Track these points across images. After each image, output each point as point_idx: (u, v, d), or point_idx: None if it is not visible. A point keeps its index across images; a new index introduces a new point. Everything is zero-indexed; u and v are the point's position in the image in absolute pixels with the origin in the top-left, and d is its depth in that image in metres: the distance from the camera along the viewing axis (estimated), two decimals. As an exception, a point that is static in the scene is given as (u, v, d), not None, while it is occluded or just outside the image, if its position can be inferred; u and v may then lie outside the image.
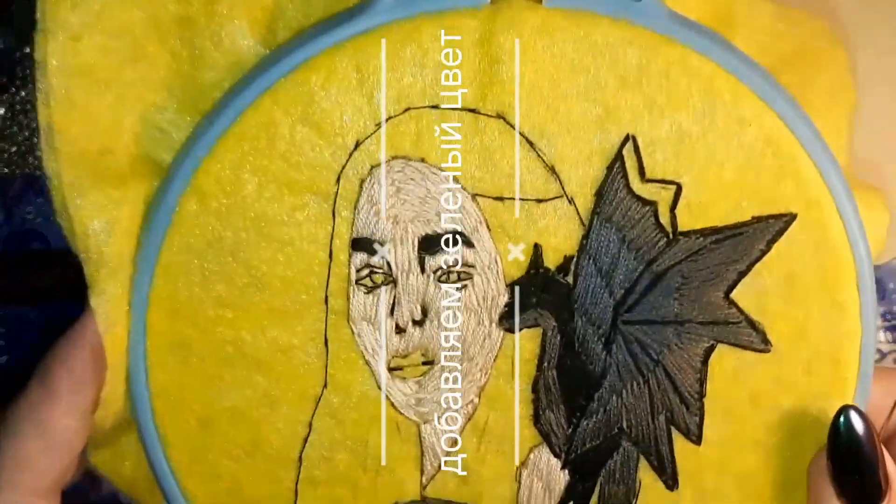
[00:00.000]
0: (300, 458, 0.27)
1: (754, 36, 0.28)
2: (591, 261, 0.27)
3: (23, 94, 0.34)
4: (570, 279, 0.27)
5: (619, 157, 0.26)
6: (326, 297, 0.27)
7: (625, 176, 0.26)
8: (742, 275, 0.27)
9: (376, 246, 0.26)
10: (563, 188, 0.26)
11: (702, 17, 0.27)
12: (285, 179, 0.26)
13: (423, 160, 0.26)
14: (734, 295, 0.27)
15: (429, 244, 0.26)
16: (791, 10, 0.30)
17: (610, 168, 0.26)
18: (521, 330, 0.27)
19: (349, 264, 0.27)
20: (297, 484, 0.28)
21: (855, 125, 0.30)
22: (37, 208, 0.37)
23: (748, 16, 0.28)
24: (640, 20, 0.25)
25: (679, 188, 0.26)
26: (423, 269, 0.27)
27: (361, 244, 0.26)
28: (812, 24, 0.30)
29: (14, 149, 0.34)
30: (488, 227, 0.26)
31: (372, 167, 0.26)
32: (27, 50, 0.34)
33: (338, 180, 0.26)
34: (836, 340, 0.27)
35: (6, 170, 0.35)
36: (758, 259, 0.26)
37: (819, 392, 0.27)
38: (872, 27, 0.37)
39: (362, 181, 0.26)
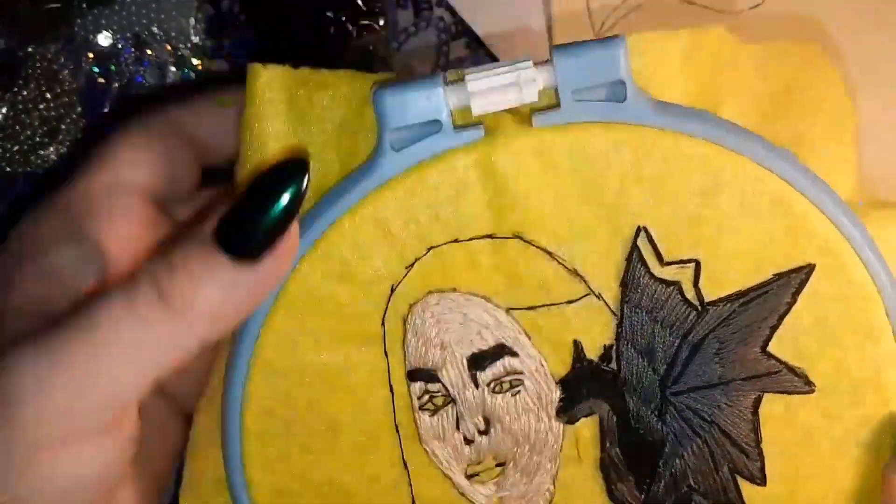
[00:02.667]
0: None
1: (744, 82, 0.29)
2: (629, 345, 0.28)
3: (25, 93, 0.34)
4: (613, 366, 0.28)
5: (634, 248, 0.27)
6: (396, 426, 0.29)
7: (644, 264, 0.27)
8: (774, 328, 0.28)
9: (431, 373, 0.29)
10: (588, 286, 0.28)
11: (689, 94, 0.28)
12: (336, 333, 0.28)
13: (454, 289, 0.28)
14: (771, 347, 0.28)
15: (477, 361, 0.29)
16: (777, 44, 0.30)
17: (629, 259, 0.27)
18: (578, 420, 0.29)
19: (409, 393, 0.29)
20: None
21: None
22: (38, 208, 0.36)
23: (734, 71, 0.29)
24: (629, 118, 0.27)
25: (698, 265, 0.27)
26: (476, 384, 0.29)
27: (417, 374, 0.29)
28: (800, 49, 0.30)
29: (17, 148, 0.34)
30: (527, 334, 0.28)
31: (410, 305, 0.28)
32: (30, 49, 0.34)
33: (382, 323, 0.28)
34: (875, 368, 0.28)
35: (9, 169, 0.35)
36: (786, 312, 0.28)
37: (867, 417, 0.29)
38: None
39: (404, 319, 0.28)
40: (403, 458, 0.29)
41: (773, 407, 0.29)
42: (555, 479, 0.30)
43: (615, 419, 0.29)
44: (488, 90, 0.26)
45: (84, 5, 0.37)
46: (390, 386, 0.29)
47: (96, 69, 0.38)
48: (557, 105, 0.26)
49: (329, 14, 0.39)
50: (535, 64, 0.26)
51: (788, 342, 0.28)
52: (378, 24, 0.44)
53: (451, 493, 0.30)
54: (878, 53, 0.37)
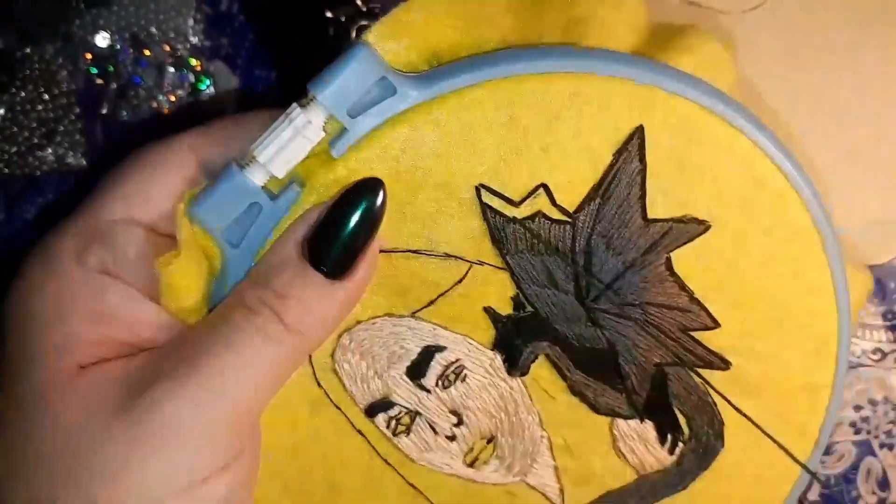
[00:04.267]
0: None
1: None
2: (531, 285, 0.29)
3: (23, 94, 0.34)
4: (529, 309, 0.30)
5: (484, 206, 0.28)
6: (385, 460, 0.31)
7: (500, 215, 0.28)
8: (642, 197, 0.29)
9: (384, 402, 0.30)
10: (465, 259, 0.29)
11: (454, 44, 0.28)
12: (289, 413, 0.30)
13: (358, 322, 0.29)
14: (651, 214, 0.29)
15: (414, 372, 0.30)
16: None
17: (485, 218, 0.28)
18: (529, 368, 0.30)
19: (377, 428, 0.30)
20: None
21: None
22: (37, 209, 0.36)
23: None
24: (409, 103, 0.27)
25: (546, 187, 0.28)
26: (427, 390, 0.30)
27: (373, 409, 0.30)
28: None
29: (14, 149, 0.34)
30: (442, 326, 0.30)
31: (331, 355, 0.30)
32: (28, 50, 0.35)
33: (319, 385, 0.30)
34: (752, 176, 0.29)
35: (7, 170, 0.35)
36: (644, 177, 0.28)
37: (771, 222, 0.29)
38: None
39: (334, 370, 0.30)
40: (409, 482, 0.31)
41: (685, 260, 0.30)
42: (542, 425, 0.31)
43: (559, 349, 0.30)
44: (278, 152, 0.27)
45: (82, 6, 0.37)
46: (359, 431, 0.30)
47: (94, 70, 0.38)
48: (345, 128, 0.27)
49: (328, 14, 0.38)
50: (302, 106, 0.27)
51: (663, 200, 0.29)
52: (377, 24, 0.44)
53: (468, 488, 0.31)
54: (886, 51, 0.36)
